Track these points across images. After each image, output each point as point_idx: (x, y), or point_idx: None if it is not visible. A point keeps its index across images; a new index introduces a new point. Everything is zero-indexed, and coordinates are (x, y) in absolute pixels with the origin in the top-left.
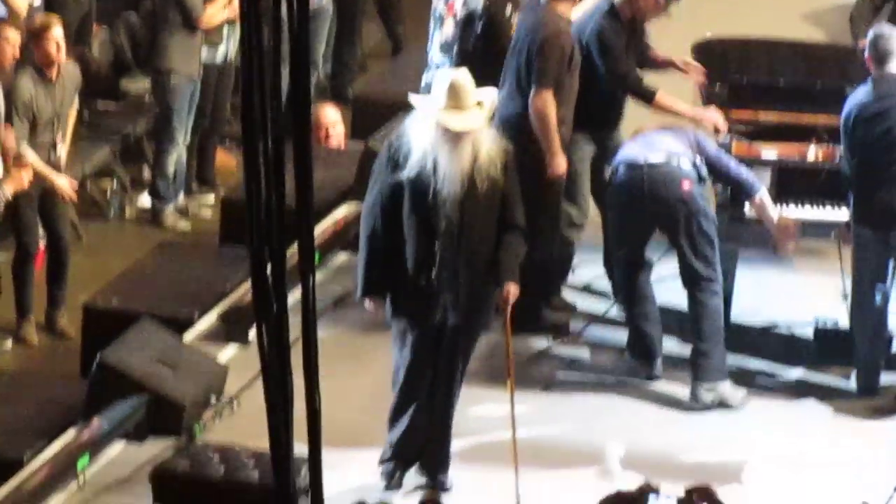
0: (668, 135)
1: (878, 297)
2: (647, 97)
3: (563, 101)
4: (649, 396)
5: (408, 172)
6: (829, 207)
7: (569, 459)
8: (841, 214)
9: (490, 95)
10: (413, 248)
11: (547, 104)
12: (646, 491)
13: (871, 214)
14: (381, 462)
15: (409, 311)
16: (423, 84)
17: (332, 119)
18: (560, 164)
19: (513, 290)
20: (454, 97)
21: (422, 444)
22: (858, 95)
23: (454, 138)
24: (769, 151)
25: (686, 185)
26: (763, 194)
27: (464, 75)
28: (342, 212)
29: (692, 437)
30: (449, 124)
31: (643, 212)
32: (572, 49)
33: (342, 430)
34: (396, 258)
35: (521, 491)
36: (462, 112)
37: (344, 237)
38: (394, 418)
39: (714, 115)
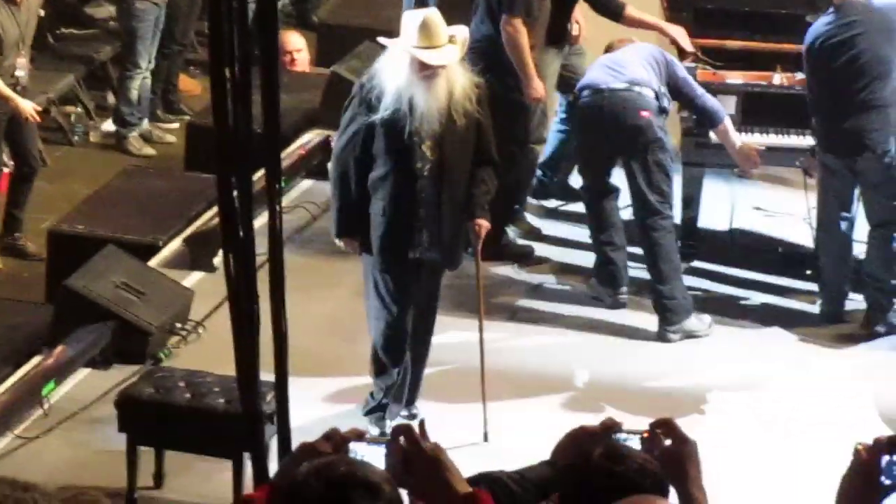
0: (636, 59)
1: (844, 224)
2: (616, 13)
3: (535, 25)
4: (615, 324)
5: (382, 113)
6: (793, 135)
7: (534, 388)
8: (806, 142)
9: (462, 31)
10: (392, 188)
11: (519, 32)
12: (609, 427)
13: (838, 142)
14: (370, 412)
15: (387, 251)
16: None
17: (296, 45)
18: (537, 88)
19: (484, 224)
20: (427, 35)
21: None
22: (821, 24)
23: (429, 76)
24: (734, 78)
25: (644, 114)
26: (726, 122)
27: (434, 13)
28: (308, 138)
29: (658, 364)
30: (425, 59)
31: (602, 137)
32: None
33: (308, 355)
34: (372, 199)
35: (487, 419)
36: (436, 49)
37: (309, 163)
38: (382, 366)
39: (681, 32)
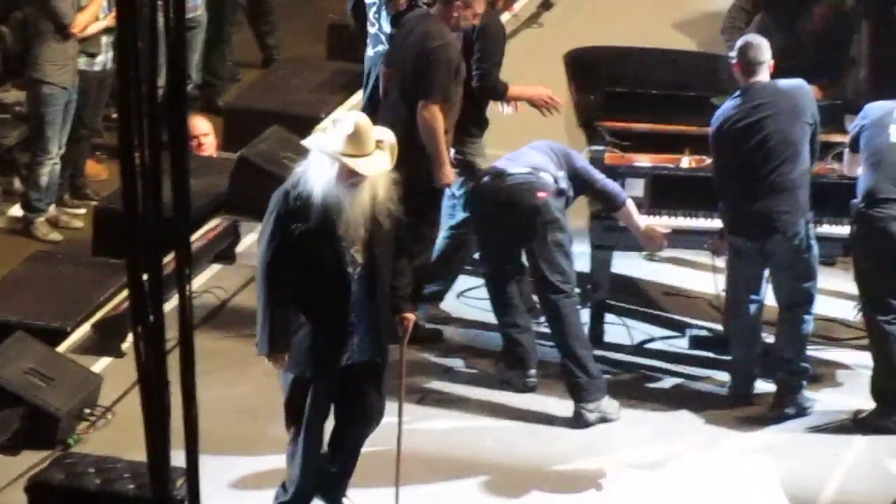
0: (537, 149)
1: (753, 307)
2: (500, 95)
3: (450, 111)
4: (524, 407)
5: (311, 220)
6: (702, 217)
7: (445, 473)
8: (714, 224)
9: (389, 135)
10: (323, 295)
11: (435, 118)
12: None
13: (747, 224)
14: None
15: (319, 360)
16: (368, 54)
17: (203, 129)
18: (447, 175)
19: (411, 317)
20: (356, 143)
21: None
22: (728, 107)
23: (356, 182)
24: (643, 161)
25: (541, 195)
26: (628, 205)
27: (362, 119)
28: (216, 222)
29: (568, 448)
30: (356, 168)
31: (501, 220)
32: (459, 60)
33: (220, 439)
34: (298, 309)
35: None
36: (365, 157)
37: (217, 247)
38: (300, 466)
39: (544, 91)
